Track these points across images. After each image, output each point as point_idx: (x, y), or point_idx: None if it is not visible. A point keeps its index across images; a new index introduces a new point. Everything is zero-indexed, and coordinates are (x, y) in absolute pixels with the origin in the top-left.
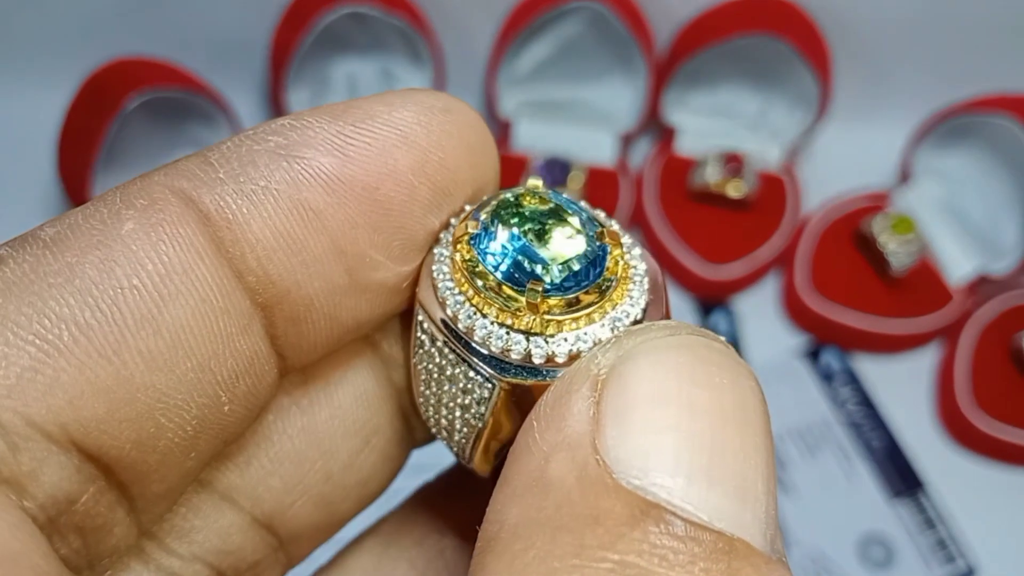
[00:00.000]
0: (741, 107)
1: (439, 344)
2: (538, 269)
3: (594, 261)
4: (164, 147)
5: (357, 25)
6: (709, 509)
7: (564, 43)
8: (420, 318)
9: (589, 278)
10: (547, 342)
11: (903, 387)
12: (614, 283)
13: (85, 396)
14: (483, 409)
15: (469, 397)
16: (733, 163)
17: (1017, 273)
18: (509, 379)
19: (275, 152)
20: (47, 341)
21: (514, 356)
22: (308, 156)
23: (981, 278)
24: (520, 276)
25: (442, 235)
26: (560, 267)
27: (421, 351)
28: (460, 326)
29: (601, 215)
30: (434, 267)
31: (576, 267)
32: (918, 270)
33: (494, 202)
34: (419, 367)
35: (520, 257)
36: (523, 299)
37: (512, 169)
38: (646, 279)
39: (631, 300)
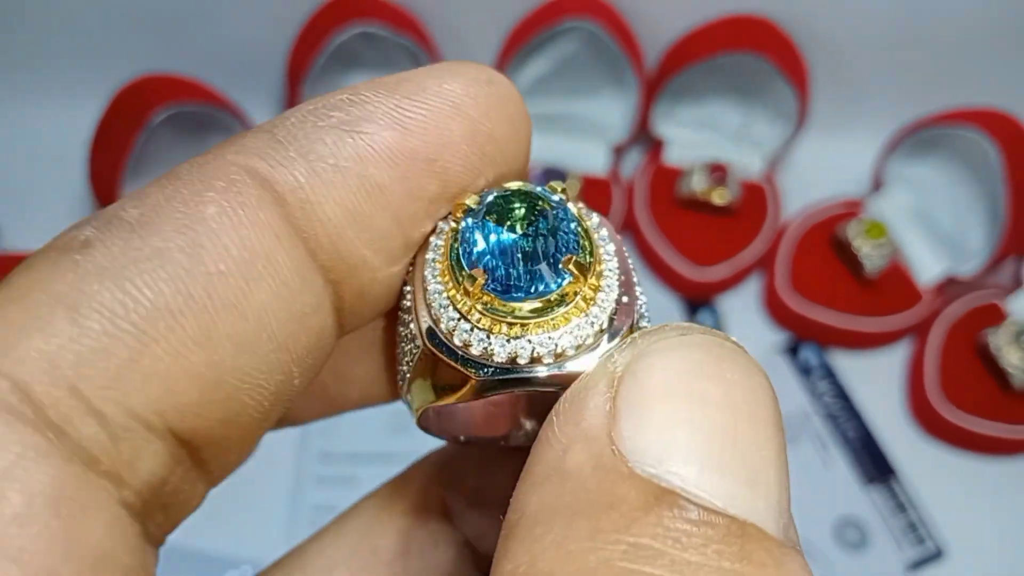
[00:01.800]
0: (725, 120)
1: (409, 316)
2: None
3: (542, 280)
4: (188, 157)
5: (368, 44)
6: (722, 495)
7: (561, 60)
8: (405, 291)
9: (535, 291)
10: (471, 333)
11: (876, 381)
12: (565, 309)
13: (180, 383)
14: (412, 360)
15: (410, 349)
16: (718, 172)
17: (982, 275)
18: (429, 345)
19: (340, 128)
20: (143, 330)
21: (441, 328)
22: (371, 131)
23: (949, 279)
24: (467, 261)
25: (440, 223)
26: (510, 271)
27: (402, 319)
28: (426, 299)
29: (593, 222)
30: (428, 251)
31: (525, 275)
32: (890, 272)
33: (484, 197)
34: (401, 333)
35: (494, 249)
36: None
37: None
38: (605, 311)
39: (577, 329)
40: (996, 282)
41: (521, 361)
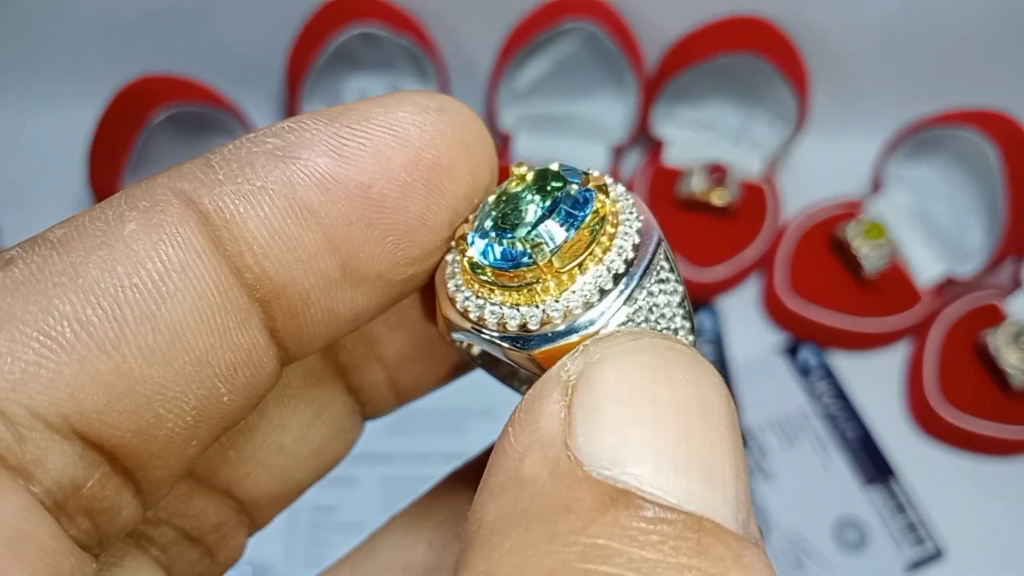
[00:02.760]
0: (725, 121)
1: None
2: (516, 242)
3: (521, 253)
4: (188, 158)
5: (368, 45)
6: (678, 493)
7: (560, 61)
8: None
9: (513, 260)
10: (457, 287)
11: (875, 381)
12: (537, 279)
13: (85, 388)
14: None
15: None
16: (717, 173)
17: (982, 275)
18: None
19: (272, 153)
20: (50, 337)
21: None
22: (304, 156)
23: (948, 280)
24: (508, 255)
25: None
26: (495, 246)
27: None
28: (450, 290)
29: (596, 171)
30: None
31: (508, 248)
32: (889, 272)
33: (488, 198)
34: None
35: (495, 241)
36: (521, 274)
37: None
38: (622, 255)
39: (581, 289)
40: (995, 283)
41: (490, 325)
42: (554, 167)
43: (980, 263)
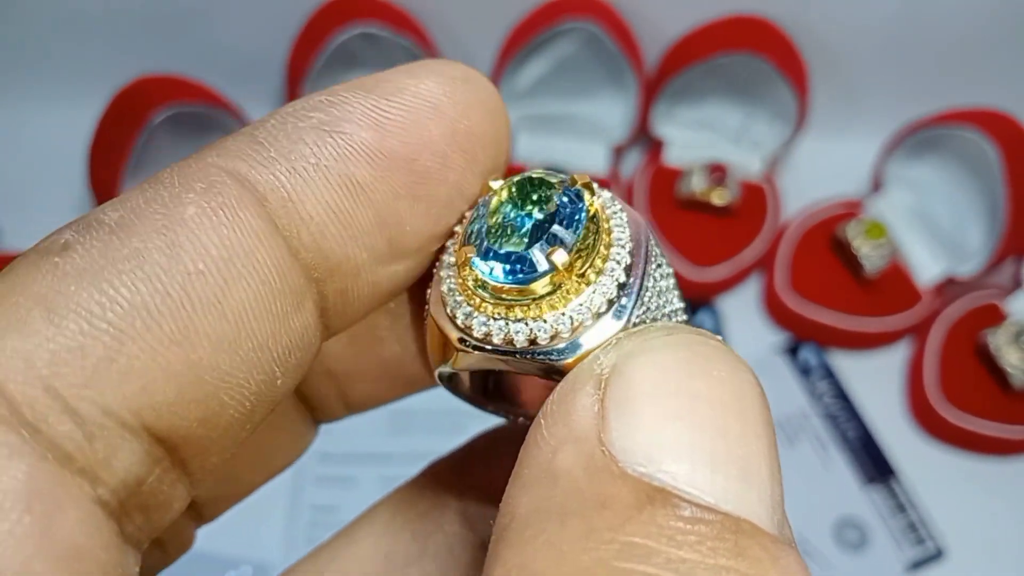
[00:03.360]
0: (725, 121)
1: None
2: (526, 255)
3: (530, 264)
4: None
5: (368, 44)
6: (715, 492)
7: (560, 61)
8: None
9: (519, 273)
10: (457, 301)
11: (876, 381)
12: (588, 251)
13: (157, 381)
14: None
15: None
16: (717, 173)
17: (982, 275)
18: (430, 310)
19: (320, 128)
20: (120, 329)
21: (447, 299)
22: (350, 131)
23: (948, 279)
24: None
25: (445, 255)
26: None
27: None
28: (448, 310)
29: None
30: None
31: (512, 259)
32: (890, 272)
33: (478, 217)
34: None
35: (502, 258)
36: (516, 291)
37: None
38: (626, 248)
39: (601, 288)
40: (995, 282)
41: (496, 341)
42: (535, 174)
43: (980, 263)
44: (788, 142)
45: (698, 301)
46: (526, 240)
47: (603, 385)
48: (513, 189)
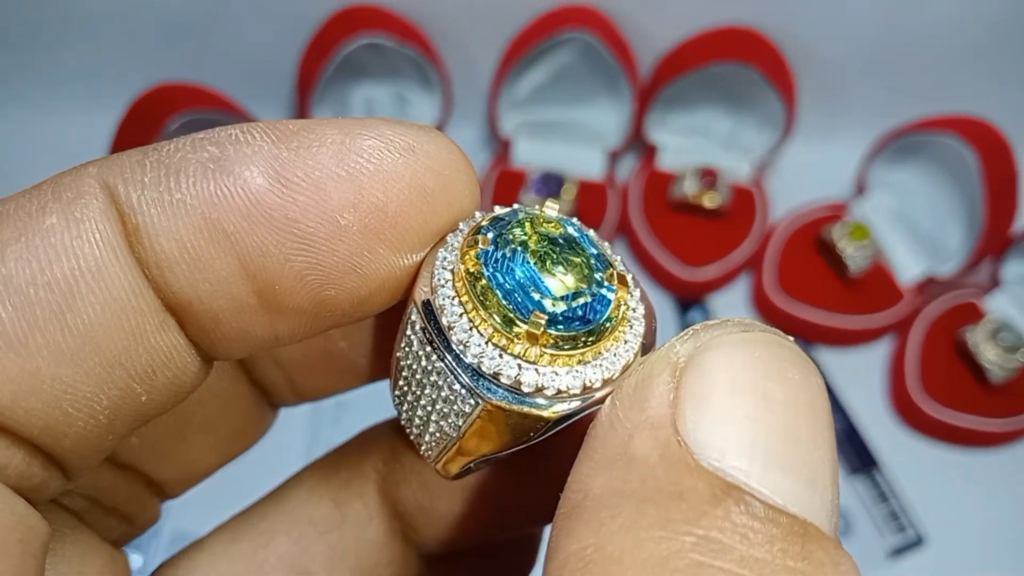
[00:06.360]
0: (715, 127)
1: (427, 349)
2: (546, 302)
3: (599, 301)
4: None
5: (374, 54)
6: (784, 494)
7: (558, 70)
8: (413, 318)
9: (591, 319)
10: (538, 373)
11: (859, 376)
12: (612, 325)
13: None
14: (461, 422)
15: (449, 407)
16: (708, 177)
17: (961, 274)
18: (494, 401)
19: (205, 164)
20: None
21: (503, 380)
22: (236, 174)
23: (929, 279)
24: (524, 301)
25: (449, 237)
26: (565, 304)
27: (408, 349)
28: (454, 339)
29: (608, 248)
30: (435, 271)
31: (580, 305)
32: (873, 272)
33: (508, 219)
34: (402, 363)
35: (527, 283)
36: (523, 326)
37: (512, 182)
38: (643, 323)
39: (625, 345)
40: (974, 282)
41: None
42: (564, 232)
43: (959, 263)
44: (776, 148)
45: (689, 300)
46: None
47: (679, 374)
48: (542, 245)
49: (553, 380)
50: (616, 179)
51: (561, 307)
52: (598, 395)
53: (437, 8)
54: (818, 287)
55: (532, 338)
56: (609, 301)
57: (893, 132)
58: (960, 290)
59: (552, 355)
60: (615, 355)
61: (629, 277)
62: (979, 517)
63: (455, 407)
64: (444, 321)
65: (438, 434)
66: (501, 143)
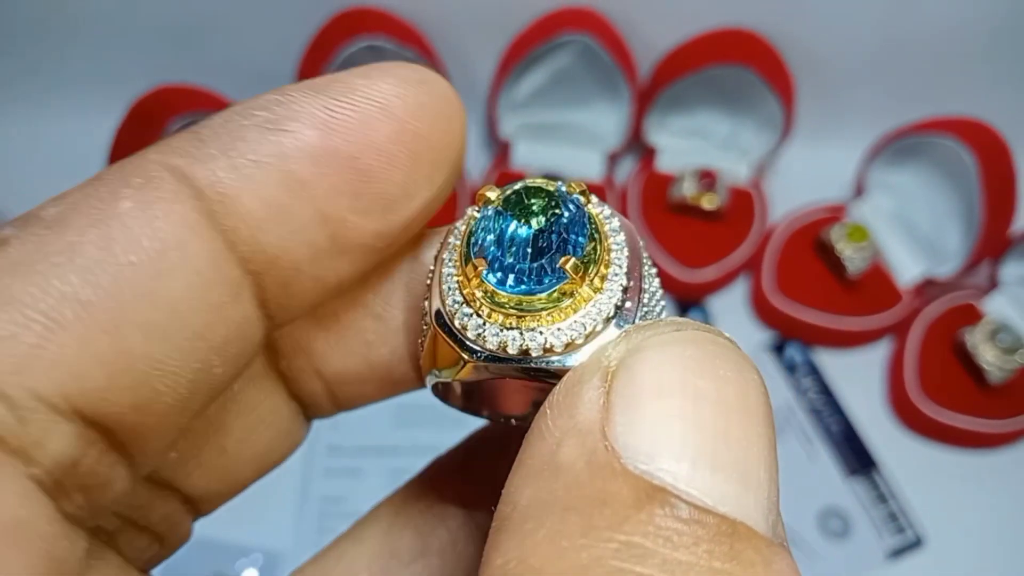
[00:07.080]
0: (714, 129)
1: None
2: (546, 264)
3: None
4: None
5: (374, 56)
6: (713, 494)
7: (557, 72)
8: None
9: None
10: (522, 335)
11: (858, 377)
12: (595, 257)
13: (87, 368)
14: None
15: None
16: (707, 179)
17: (959, 276)
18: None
19: (263, 126)
20: (51, 319)
21: (488, 346)
22: (293, 129)
23: (927, 280)
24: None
25: (446, 255)
26: (538, 225)
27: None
28: (456, 322)
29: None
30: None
31: (551, 222)
32: (871, 273)
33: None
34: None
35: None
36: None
37: None
38: (624, 252)
39: (608, 292)
40: (972, 283)
41: (511, 351)
42: (532, 183)
43: (958, 264)
44: (775, 149)
45: (688, 301)
46: (531, 250)
47: (609, 378)
48: (513, 198)
49: (477, 328)
50: (615, 181)
51: (542, 220)
52: (523, 363)
53: (437, 10)
54: (817, 288)
55: (467, 280)
56: (557, 283)
57: (892, 134)
58: (959, 291)
59: (492, 308)
60: (552, 332)
61: (606, 269)
62: (978, 518)
63: (424, 325)
64: (443, 270)
65: (418, 344)
66: (500, 145)
